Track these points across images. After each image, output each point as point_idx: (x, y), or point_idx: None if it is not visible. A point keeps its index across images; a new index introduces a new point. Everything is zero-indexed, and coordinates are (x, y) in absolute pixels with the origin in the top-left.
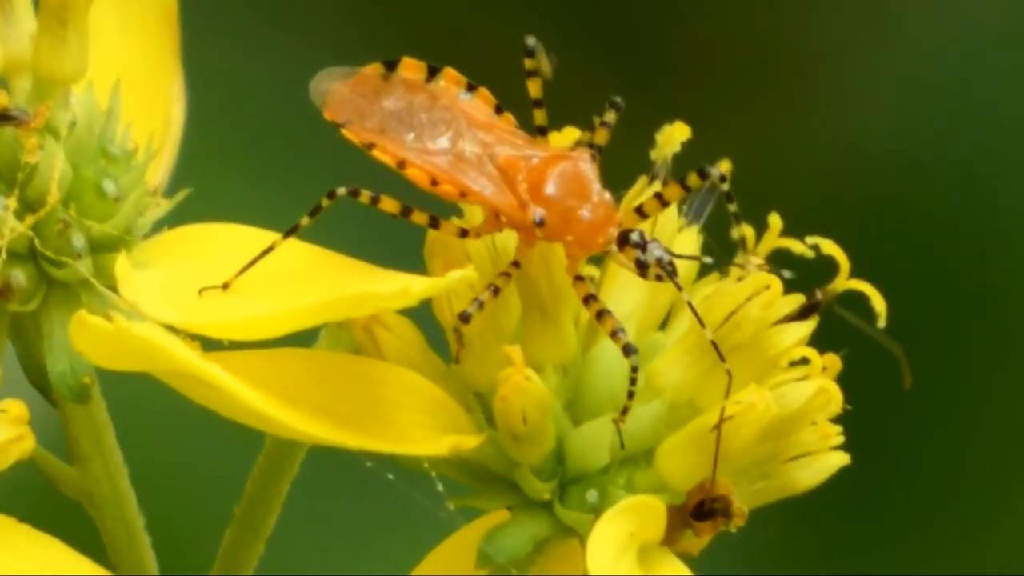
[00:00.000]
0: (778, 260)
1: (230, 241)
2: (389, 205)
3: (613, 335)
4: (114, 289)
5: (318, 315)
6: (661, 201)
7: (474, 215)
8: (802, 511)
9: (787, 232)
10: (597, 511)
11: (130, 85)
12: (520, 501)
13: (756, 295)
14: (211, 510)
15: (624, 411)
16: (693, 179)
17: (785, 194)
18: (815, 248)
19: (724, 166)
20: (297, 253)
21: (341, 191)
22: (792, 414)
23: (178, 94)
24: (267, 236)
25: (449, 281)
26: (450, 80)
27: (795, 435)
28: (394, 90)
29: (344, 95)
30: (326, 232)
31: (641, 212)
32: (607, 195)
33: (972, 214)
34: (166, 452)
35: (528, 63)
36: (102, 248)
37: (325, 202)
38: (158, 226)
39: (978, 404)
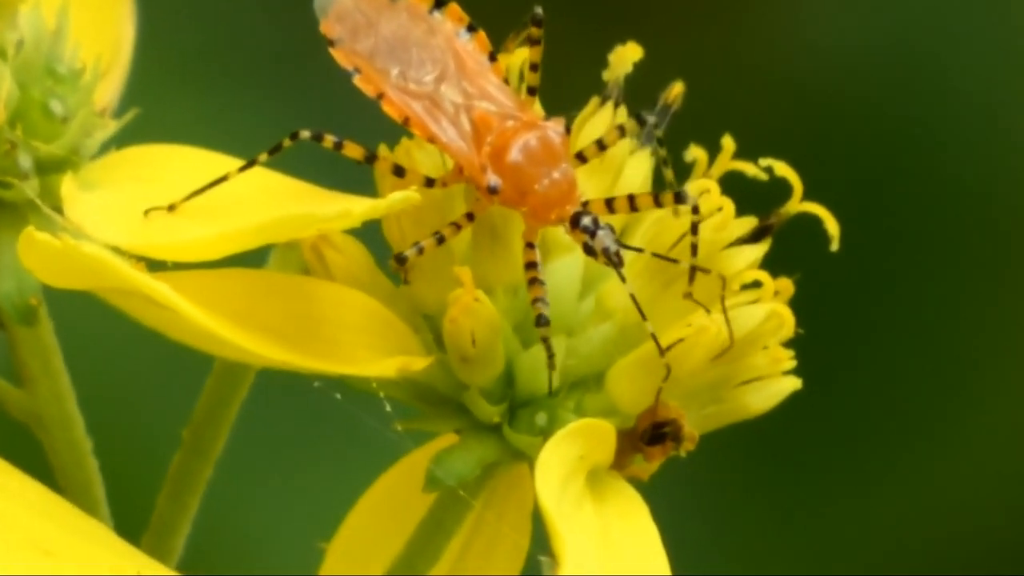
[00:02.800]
0: (730, 182)
1: (177, 162)
2: (353, 151)
3: (533, 302)
4: (60, 210)
5: (259, 236)
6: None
7: (425, 149)
8: (752, 435)
9: (739, 154)
10: (546, 434)
11: (80, 4)
12: (469, 424)
13: (708, 217)
14: (159, 433)
15: (550, 385)
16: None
17: (735, 115)
18: (768, 170)
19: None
20: (242, 175)
21: (305, 134)
22: (744, 338)
23: (128, 13)
24: (214, 158)
25: (390, 203)
26: (452, 16)
27: (747, 359)
28: (397, 15)
29: (347, 7)
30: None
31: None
32: (570, 172)
33: (930, 135)
34: (115, 376)
35: (534, 31)
36: (49, 169)
37: (286, 142)
38: (106, 147)
39: (931, 326)
